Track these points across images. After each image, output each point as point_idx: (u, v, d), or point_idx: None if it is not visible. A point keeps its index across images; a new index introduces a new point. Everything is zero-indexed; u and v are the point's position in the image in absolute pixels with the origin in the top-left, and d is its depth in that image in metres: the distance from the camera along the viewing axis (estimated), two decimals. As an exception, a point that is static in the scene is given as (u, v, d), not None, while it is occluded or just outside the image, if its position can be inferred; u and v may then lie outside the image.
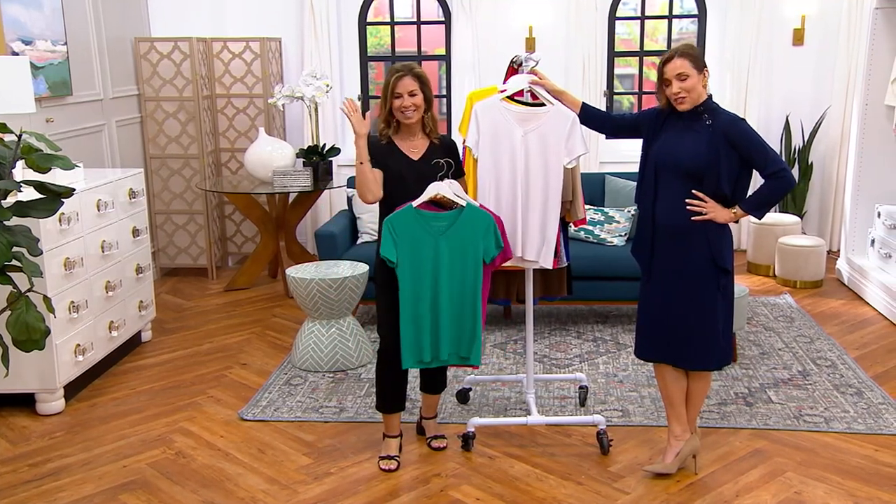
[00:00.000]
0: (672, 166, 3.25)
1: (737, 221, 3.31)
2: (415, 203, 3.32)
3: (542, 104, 3.57)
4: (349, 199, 5.76)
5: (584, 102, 3.57)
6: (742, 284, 4.78)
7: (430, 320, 3.38)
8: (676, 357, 3.36)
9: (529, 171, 3.52)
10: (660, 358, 3.42)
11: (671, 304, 3.32)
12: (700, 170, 3.20)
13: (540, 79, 3.57)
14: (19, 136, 3.08)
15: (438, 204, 3.36)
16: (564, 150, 3.53)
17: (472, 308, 3.39)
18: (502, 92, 3.58)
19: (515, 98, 3.59)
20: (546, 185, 3.55)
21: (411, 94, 3.38)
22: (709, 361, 3.35)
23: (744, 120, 3.28)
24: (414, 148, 3.47)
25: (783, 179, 3.19)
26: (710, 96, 3.26)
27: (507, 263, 3.60)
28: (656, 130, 3.34)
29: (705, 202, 3.22)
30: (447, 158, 3.47)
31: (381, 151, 3.43)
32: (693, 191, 3.23)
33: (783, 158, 6.85)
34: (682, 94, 3.18)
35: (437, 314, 3.37)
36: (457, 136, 3.91)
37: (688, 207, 3.23)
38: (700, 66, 3.20)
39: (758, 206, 3.26)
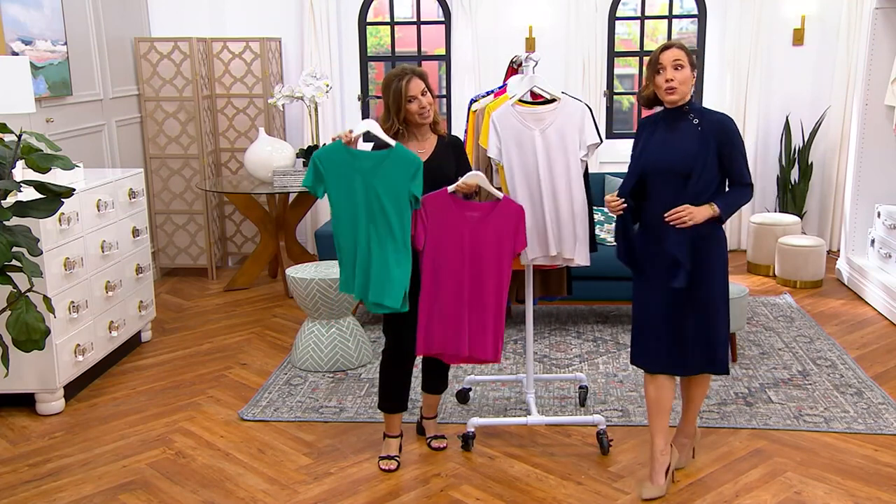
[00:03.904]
0: (664, 170, 3.17)
1: (720, 221, 3.17)
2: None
3: (548, 101, 3.57)
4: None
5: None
6: (742, 284, 4.78)
7: (361, 257, 3.30)
8: (685, 365, 3.25)
9: (553, 169, 3.52)
10: (667, 369, 3.28)
11: (678, 312, 3.21)
12: (692, 169, 3.11)
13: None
14: (19, 136, 3.08)
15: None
16: (579, 143, 3.53)
17: (396, 251, 3.28)
18: (511, 97, 3.58)
19: (522, 99, 3.60)
20: (569, 180, 3.54)
21: (423, 94, 3.39)
22: (718, 365, 3.27)
23: (733, 121, 3.22)
24: (421, 150, 3.47)
25: (749, 193, 3.20)
26: (692, 98, 3.21)
27: (543, 262, 3.64)
28: (640, 142, 3.28)
29: (681, 211, 3.11)
30: (455, 156, 3.49)
31: None
32: (668, 210, 3.13)
33: (783, 158, 6.92)
34: (674, 84, 3.13)
35: (368, 254, 3.30)
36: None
37: (668, 221, 3.12)
38: (693, 63, 3.17)
39: (729, 208, 3.16)
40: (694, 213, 3.12)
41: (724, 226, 3.24)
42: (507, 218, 3.42)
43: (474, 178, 3.38)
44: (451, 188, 3.38)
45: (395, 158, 3.28)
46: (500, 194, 3.44)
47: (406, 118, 3.41)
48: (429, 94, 3.40)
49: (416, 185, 3.28)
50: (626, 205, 3.24)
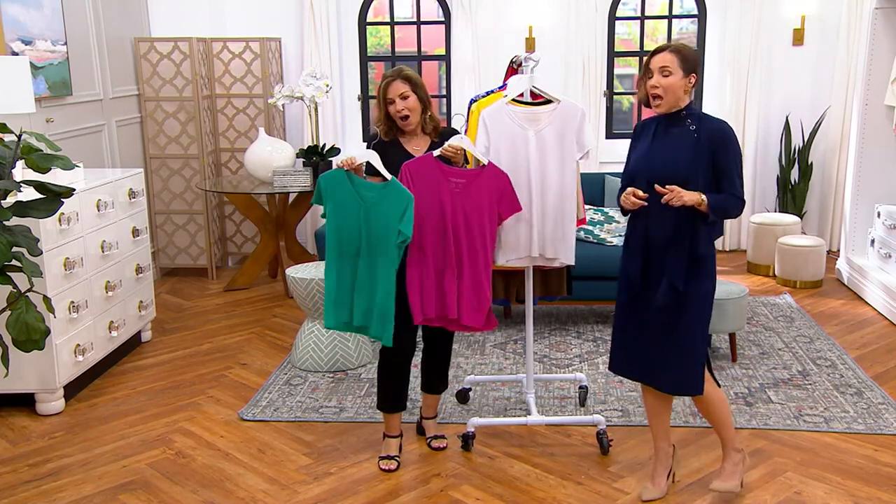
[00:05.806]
0: (654, 177, 3.02)
1: (706, 219, 3.02)
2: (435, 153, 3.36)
3: (546, 102, 3.56)
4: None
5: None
6: (742, 284, 4.77)
7: (349, 285, 3.35)
8: (660, 383, 3.18)
9: (545, 170, 3.51)
10: (652, 383, 3.22)
11: (673, 329, 3.11)
12: (685, 178, 3.00)
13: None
14: (19, 136, 3.08)
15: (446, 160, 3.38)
16: (576, 146, 3.53)
17: (386, 286, 3.30)
18: (506, 96, 3.57)
19: (518, 99, 3.59)
20: (562, 182, 3.53)
21: (403, 98, 3.38)
22: (697, 385, 3.15)
23: (732, 129, 3.09)
24: (416, 146, 3.48)
25: (740, 207, 3.05)
26: (690, 103, 3.09)
27: (527, 264, 3.61)
28: (635, 144, 3.20)
29: (672, 191, 2.96)
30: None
31: (382, 145, 3.46)
32: (656, 186, 3.00)
33: (783, 158, 6.91)
34: (658, 91, 3.01)
35: (357, 283, 3.33)
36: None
37: (663, 201, 2.97)
38: (688, 68, 3.01)
39: (718, 206, 2.99)
40: (682, 194, 2.95)
41: (720, 238, 3.12)
42: (493, 185, 3.38)
43: (459, 141, 3.36)
44: (436, 152, 3.36)
45: (390, 193, 3.29)
46: (485, 160, 3.41)
47: (391, 118, 3.44)
48: (413, 97, 3.39)
49: (406, 222, 3.26)
50: (646, 202, 3.04)
